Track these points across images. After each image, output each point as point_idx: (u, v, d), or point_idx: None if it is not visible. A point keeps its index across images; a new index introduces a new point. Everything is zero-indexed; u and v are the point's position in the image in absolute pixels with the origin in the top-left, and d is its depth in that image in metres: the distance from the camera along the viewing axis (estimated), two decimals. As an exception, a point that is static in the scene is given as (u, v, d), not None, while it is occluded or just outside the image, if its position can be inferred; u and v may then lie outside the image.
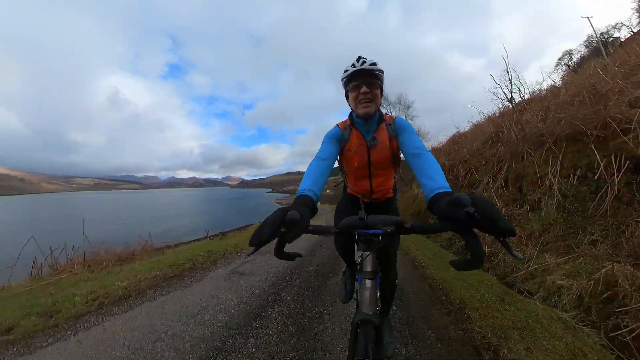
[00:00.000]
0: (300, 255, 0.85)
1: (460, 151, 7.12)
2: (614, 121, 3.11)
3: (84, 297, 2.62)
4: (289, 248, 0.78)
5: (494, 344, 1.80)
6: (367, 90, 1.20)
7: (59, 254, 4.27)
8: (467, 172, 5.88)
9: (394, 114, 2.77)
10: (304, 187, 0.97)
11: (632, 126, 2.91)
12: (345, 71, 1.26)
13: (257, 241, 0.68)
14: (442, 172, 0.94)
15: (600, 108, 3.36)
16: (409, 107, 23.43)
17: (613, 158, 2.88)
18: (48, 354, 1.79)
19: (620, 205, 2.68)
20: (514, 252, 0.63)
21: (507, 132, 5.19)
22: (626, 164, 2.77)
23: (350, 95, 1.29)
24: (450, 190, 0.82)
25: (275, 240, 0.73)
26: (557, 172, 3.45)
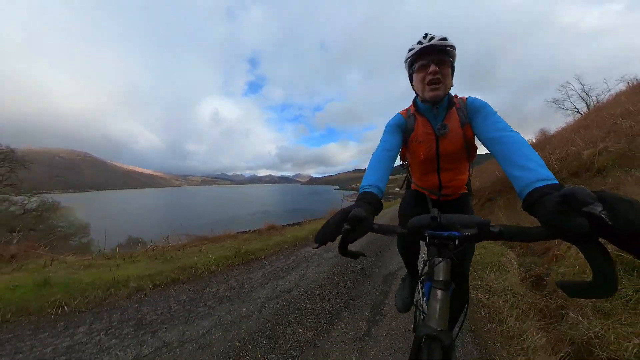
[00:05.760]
0: (364, 255, 0.82)
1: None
2: None
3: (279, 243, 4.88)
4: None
5: None
6: (437, 69, 1.02)
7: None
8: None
9: None
10: (368, 182, 0.89)
11: None
12: (410, 50, 1.10)
13: (321, 239, 0.71)
14: (539, 156, 0.72)
15: None
16: None
17: None
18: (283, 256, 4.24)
19: None
20: None
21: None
22: None
23: (416, 77, 1.11)
24: (557, 182, 0.61)
25: (339, 237, 0.72)
26: None
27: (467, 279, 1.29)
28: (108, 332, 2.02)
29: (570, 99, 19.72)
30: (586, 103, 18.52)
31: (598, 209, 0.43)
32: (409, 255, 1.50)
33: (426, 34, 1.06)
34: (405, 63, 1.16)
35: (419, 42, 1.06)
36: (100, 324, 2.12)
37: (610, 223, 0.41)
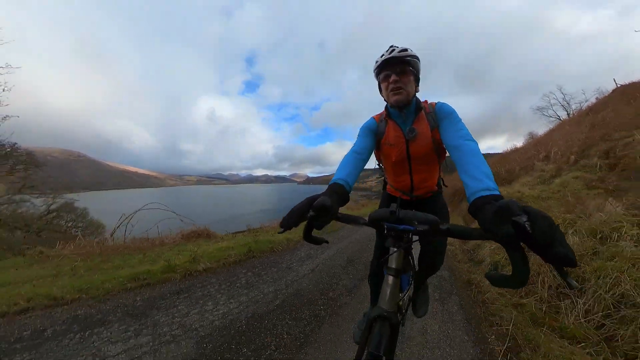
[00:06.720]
0: (327, 242, 0.91)
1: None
2: None
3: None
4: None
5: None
6: (397, 78, 1.14)
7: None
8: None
9: None
10: (337, 176, 1.00)
11: None
12: (376, 62, 1.20)
13: (286, 224, 0.76)
14: (488, 167, 0.82)
15: None
16: None
17: None
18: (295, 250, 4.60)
19: None
20: (571, 279, 0.51)
21: None
22: None
23: (382, 86, 1.24)
24: (498, 194, 0.72)
25: (305, 223, 0.79)
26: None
27: (437, 267, 1.46)
28: (302, 258, 3.90)
29: (553, 107, 21.96)
30: (567, 111, 20.60)
31: (523, 219, 0.51)
32: (380, 249, 1.57)
33: (390, 47, 1.15)
34: (374, 73, 1.25)
35: (382, 55, 1.15)
36: (292, 256, 4.02)
37: (530, 231, 0.50)
